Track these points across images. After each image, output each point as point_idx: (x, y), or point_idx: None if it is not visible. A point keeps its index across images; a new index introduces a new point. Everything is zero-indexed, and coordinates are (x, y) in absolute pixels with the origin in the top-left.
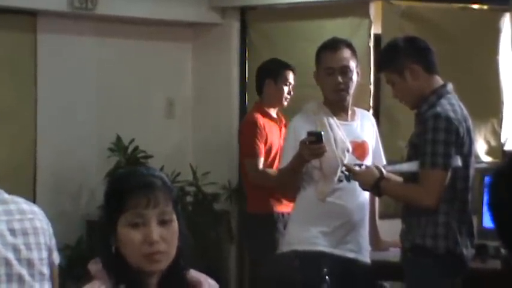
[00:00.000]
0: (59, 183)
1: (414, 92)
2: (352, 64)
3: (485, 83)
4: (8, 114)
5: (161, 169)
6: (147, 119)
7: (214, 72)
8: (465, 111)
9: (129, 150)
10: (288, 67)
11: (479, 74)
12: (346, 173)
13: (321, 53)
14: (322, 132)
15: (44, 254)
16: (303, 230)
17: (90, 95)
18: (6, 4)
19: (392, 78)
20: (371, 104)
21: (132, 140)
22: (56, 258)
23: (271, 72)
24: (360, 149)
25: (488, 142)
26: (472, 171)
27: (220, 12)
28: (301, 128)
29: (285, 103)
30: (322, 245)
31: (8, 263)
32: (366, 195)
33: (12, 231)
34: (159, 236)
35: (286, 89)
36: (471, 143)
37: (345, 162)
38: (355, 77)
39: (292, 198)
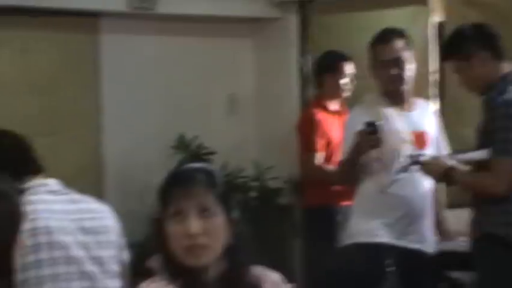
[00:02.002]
0: (126, 182)
1: (482, 79)
2: (406, 54)
3: None
4: (73, 116)
5: (224, 165)
6: (209, 116)
7: (275, 67)
8: None
9: (193, 147)
10: (344, 58)
11: None
12: (406, 163)
13: (373, 46)
14: (379, 123)
15: (114, 252)
16: (364, 222)
17: (153, 94)
18: (68, 6)
19: (460, 66)
20: (434, 93)
21: (195, 137)
22: (126, 255)
23: (328, 65)
24: (420, 139)
25: None
26: None
27: (278, 7)
28: (359, 119)
29: (345, 95)
30: (384, 237)
31: (79, 261)
32: (427, 185)
33: (83, 230)
34: (198, 229)
35: (344, 80)
36: None
37: (405, 153)
38: (410, 67)
39: (353, 190)
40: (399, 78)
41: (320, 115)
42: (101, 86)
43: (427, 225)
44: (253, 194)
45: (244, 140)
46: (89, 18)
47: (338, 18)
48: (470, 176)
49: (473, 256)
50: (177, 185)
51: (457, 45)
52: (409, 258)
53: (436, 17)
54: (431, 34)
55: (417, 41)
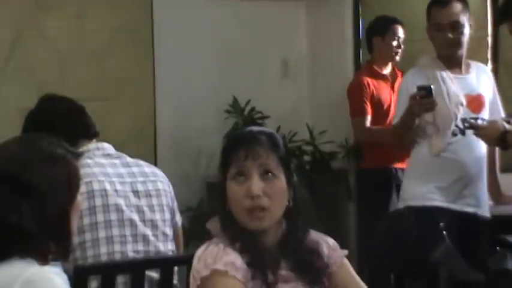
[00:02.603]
0: (179, 146)
1: None
2: (463, 18)
3: None
4: (127, 80)
5: (278, 129)
6: (262, 79)
7: (328, 31)
8: None
9: (246, 111)
10: (394, 22)
11: None
12: (461, 126)
13: (431, 8)
14: (432, 86)
15: (167, 216)
16: (418, 185)
17: (206, 57)
18: None
19: None
20: (489, 57)
21: (249, 101)
22: (179, 219)
23: (378, 29)
24: (475, 102)
25: None
26: None
27: None
28: (413, 82)
29: (397, 58)
30: (438, 200)
31: (133, 224)
32: (482, 148)
33: (136, 193)
34: (260, 190)
35: (395, 43)
36: None
37: (459, 115)
38: (466, 31)
39: (407, 153)
40: (456, 43)
41: (370, 79)
42: (154, 48)
43: (482, 189)
44: (307, 158)
45: (298, 104)
46: None
47: None
48: None
49: None
50: (240, 146)
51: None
52: (464, 221)
53: None
54: None
55: (473, 4)
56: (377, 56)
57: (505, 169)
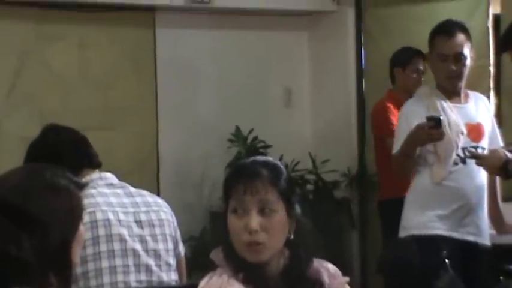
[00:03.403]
0: (182, 175)
1: None
2: (466, 49)
3: None
4: (130, 110)
5: (280, 158)
6: (265, 108)
7: (331, 60)
8: None
9: (249, 140)
10: (416, 53)
11: None
12: (462, 155)
13: (434, 38)
14: (442, 117)
15: (170, 245)
16: (419, 214)
17: (209, 87)
18: (125, 1)
19: None
20: (491, 85)
21: (251, 130)
22: (182, 249)
23: (400, 60)
24: (475, 131)
25: None
26: None
27: (334, 0)
28: (413, 112)
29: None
30: (440, 229)
31: (136, 254)
32: (482, 177)
33: (139, 223)
34: (258, 226)
35: (415, 75)
36: None
37: (460, 144)
38: (468, 62)
39: (408, 182)
40: (458, 74)
41: (392, 106)
42: (157, 79)
43: (482, 218)
44: (309, 187)
45: (300, 133)
46: (146, 13)
47: (394, 11)
48: None
49: None
50: (240, 180)
51: None
52: (465, 250)
53: (494, 10)
54: (489, 26)
55: (475, 34)
56: (397, 86)
57: (507, 198)
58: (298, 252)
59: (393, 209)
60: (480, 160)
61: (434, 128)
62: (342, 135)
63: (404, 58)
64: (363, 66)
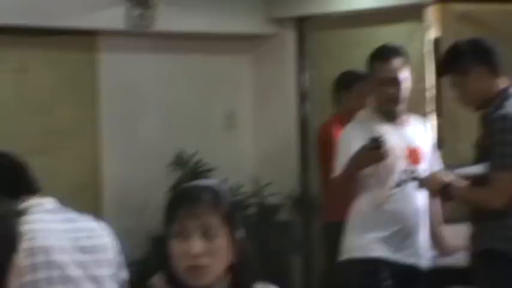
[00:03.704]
0: (124, 199)
1: (479, 94)
2: (404, 73)
3: None
4: (71, 133)
5: (223, 181)
6: (208, 132)
7: (273, 83)
8: None
9: (191, 164)
10: (360, 77)
11: None
12: (401, 178)
13: (372, 62)
14: (383, 138)
15: (112, 271)
16: (359, 237)
17: (152, 111)
18: (65, 25)
19: (457, 81)
20: (431, 109)
21: (194, 154)
22: (124, 274)
23: (343, 83)
24: (414, 154)
25: None
26: None
27: (276, 23)
28: (354, 135)
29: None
30: (379, 251)
31: (76, 281)
32: (421, 200)
33: (80, 249)
34: (200, 250)
35: (359, 98)
36: None
37: (400, 168)
38: (407, 86)
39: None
40: (395, 98)
41: (338, 130)
42: (99, 104)
43: (422, 240)
44: (252, 210)
45: (243, 156)
46: (87, 37)
47: (335, 34)
48: (469, 190)
49: (473, 271)
50: (182, 204)
51: (454, 59)
52: (405, 272)
53: (432, 33)
54: (428, 50)
55: (414, 57)
56: (342, 109)
57: (449, 220)
58: (240, 276)
59: (337, 232)
60: (421, 183)
61: (377, 148)
62: (284, 158)
63: (347, 81)
64: (305, 89)
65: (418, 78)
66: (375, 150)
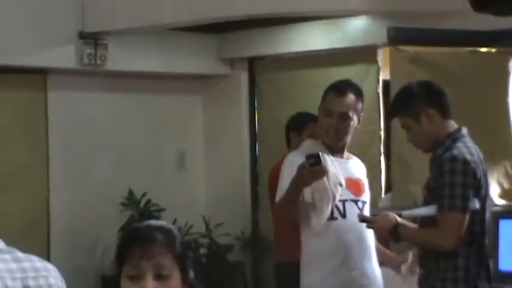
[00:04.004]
0: (74, 239)
1: (430, 136)
2: (354, 110)
3: (496, 125)
4: (20, 172)
5: (174, 222)
6: (159, 171)
7: (225, 124)
8: (481, 154)
9: (142, 204)
10: (312, 119)
11: (489, 116)
12: (341, 208)
13: (326, 93)
14: (320, 153)
15: None
16: (309, 275)
17: (102, 150)
18: (16, 63)
19: (408, 123)
20: (382, 150)
21: (144, 194)
22: None
23: (295, 124)
24: (355, 185)
25: (501, 185)
26: (488, 214)
27: (228, 64)
28: (295, 162)
29: None
30: (324, 285)
31: None
32: (366, 230)
33: None
34: None
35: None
36: (487, 185)
37: (338, 196)
38: (353, 123)
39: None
40: (338, 132)
41: None
42: (48, 142)
43: (370, 267)
44: (202, 250)
45: (194, 196)
46: (37, 75)
47: (287, 75)
48: (418, 232)
49: None
50: (135, 244)
51: (405, 101)
52: None
53: (383, 75)
54: (379, 92)
55: (366, 99)
56: (293, 150)
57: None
58: None
59: (289, 272)
60: (370, 224)
61: (315, 165)
62: (235, 198)
63: (299, 123)
64: (256, 130)
65: (369, 120)
66: (313, 167)
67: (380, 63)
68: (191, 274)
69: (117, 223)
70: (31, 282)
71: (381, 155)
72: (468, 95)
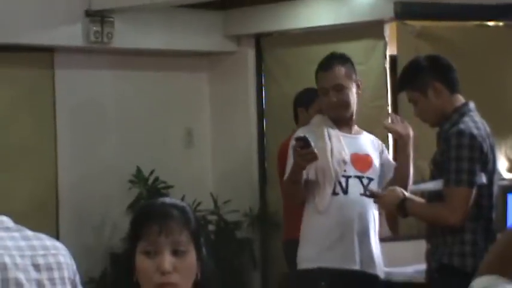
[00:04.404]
0: (82, 217)
1: (437, 110)
2: (347, 80)
3: (503, 99)
4: (28, 151)
5: (182, 199)
6: (166, 149)
7: (232, 100)
8: (488, 129)
9: (150, 181)
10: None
11: (497, 90)
12: (344, 184)
13: (317, 74)
14: (307, 135)
15: None
16: (308, 247)
17: (110, 128)
18: (23, 42)
19: (415, 97)
20: None
21: (152, 171)
22: None
23: (303, 100)
24: (361, 161)
25: (509, 158)
26: (495, 189)
27: (235, 40)
28: None
29: None
30: (322, 261)
31: None
32: (366, 207)
33: (37, 267)
34: (171, 266)
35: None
36: (495, 160)
37: (341, 173)
38: (352, 92)
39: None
40: (339, 105)
41: None
42: (56, 120)
43: (369, 247)
44: (211, 227)
45: (202, 173)
46: (44, 54)
47: (293, 52)
48: (425, 206)
49: (430, 287)
50: (153, 220)
51: (413, 75)
52: (351, 280)
53: (390, 51)
54: (386, 67)
55: (373, 74)
56: (301, 126)
57: (407, 237)
58: None
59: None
60: (378, 198)
61: (304, 147)
62: (243, 175)
63: (307, 98)
64: (263, 106)
65: (376, 95)
66: (302, 150)
67: (387, 39)
68: (204, 251)
69: (125, 201)
70: (40, 260)
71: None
72: (475, 69)
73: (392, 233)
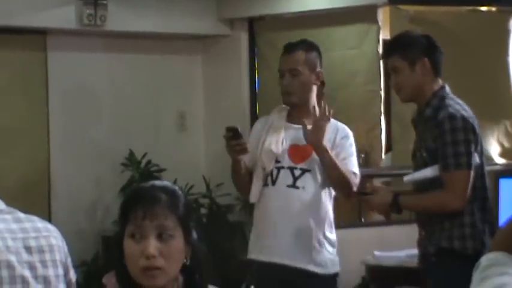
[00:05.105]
0: (74, 200)
1: (416, 86)
2: (304, 66)
3: (496, 84)
4: (20, 133)
5: (174, 182)
6: (159, 132)
7: (225, 84)
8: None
9: (142, 164)
10: None
11: (490, 75)
12: (274, 175)
13: (281, 55)
14: (238, 127)
15: (60, 271)
16: (251, 236)
17: (102, 111)
18: (16, 24)
19: (400, 66)
20: (382, 110)
21: (145, 154)
22: (73, 275)
23: None
24: (298, 152)
25: (501, 144)
26: (485, 169)
27: (228, 24)
28: (254, 128)
29: None
30: (253, 253)
31: (24, 281)
32: (294, 198)
33: (28, 249)
34: (156, 251)
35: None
36: (481, 140)
37: (271, 165)
38: (309, 80)
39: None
40: (290, 90)
41: None
42: (48, 103)
43: (293, 240)
44: (203, 210)
45: (194, 156)
46: (37, 36)
47: (287, 35)
48: (421, 197)
49: (426, 272)
50: (138, 204)
51: (407, 44)
52: (276, 273)
53: (383, 35)
54: (379, 52)
55: (365, 59)
56: None
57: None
58: (193, 278)
59: None
60: (369, 201)
61: (234, 138)
62: None
63: None
64: (256, 90)
65: (369, 80)
66: (231, 141)
67: (380, 23)
68: (194, 235)
69: (117, 183)
70: (32, 243)
71: (381, 115)
72: (468, 54)
73: (385, 217)
